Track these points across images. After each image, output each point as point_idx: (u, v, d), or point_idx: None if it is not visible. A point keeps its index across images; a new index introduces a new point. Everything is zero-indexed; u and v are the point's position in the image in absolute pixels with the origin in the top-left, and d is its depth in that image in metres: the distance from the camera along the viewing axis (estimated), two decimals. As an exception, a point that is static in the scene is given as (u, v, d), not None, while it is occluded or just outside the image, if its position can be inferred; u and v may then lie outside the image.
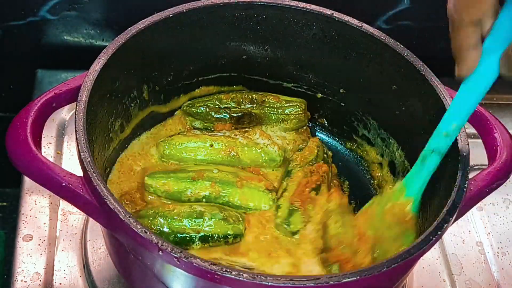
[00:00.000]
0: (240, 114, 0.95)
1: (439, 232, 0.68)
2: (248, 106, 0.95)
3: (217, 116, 0.95)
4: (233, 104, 0.95)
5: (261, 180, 0.88)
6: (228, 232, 0.81)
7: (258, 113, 0.95)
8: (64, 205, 0.94)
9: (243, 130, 0.94)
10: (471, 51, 0.60)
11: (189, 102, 0.96)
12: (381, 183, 0.94)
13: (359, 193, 0.93)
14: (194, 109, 0.95)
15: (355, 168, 0.98)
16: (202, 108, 0.95)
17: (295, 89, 0.97)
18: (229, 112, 0.95)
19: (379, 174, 0.95)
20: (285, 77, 0.97)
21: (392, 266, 0.64)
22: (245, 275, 0.61)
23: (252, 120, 0.96)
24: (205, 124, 0.95)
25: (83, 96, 0.74)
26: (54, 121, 1.04)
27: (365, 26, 0.87)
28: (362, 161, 0.98)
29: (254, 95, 0.96)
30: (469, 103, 0.70)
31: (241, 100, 0.95)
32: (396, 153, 0.91)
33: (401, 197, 0.78)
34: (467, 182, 0.73)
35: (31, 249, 0.89)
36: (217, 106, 0.95)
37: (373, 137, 0.95)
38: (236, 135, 0.92)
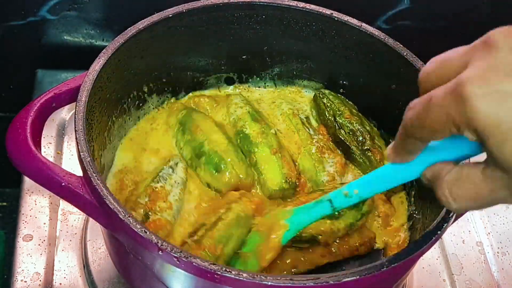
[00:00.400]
0: (347, 145, 0.89)
1: (439, 232, 0.68)
2: (360, 146, 0.88)
3: (329, 121, 0.91)
4: (355, 127, 0.89)
5: (291, 168, 0.86)
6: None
7: (360, 164, 0.89)
8: (64, 205, 0.94)
9: (331, 153, 0.89)
10: (411, 154, 0.60)
11: (324, 92, 0.93)
12: None
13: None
14: (323, 101, 0.92)
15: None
16: (330, 106, 0.92)
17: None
18: (342, 132, 0.89)
19: None
20: (285, 77, 0.97)
21: (392, 265, 0.64)
22: (244, 274, 0.61)
23: (353, 165, 0.89)
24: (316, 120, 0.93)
25: (83, 96, 0.74)
26: (54, 121, 1.04)
27: (365, 26, 0.87)
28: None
29: (378, 146, 0.89)
30: (380, 184, 0.68)
31: (360, 134, 0.89)
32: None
33: (282, 219, 0.76)
34: (467, 181, 0.73)
35: (31, 249, 0.89)
36: (337, 114, 0.90)
37: (373, 137, 0.95)
38: (314, 144, 0.89)
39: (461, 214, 0.75)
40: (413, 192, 0.86)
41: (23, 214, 0.93)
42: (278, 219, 0.76)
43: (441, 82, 0.53)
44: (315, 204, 0.74)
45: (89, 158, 0.68)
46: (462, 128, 0.50)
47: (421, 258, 0.69)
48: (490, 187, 0.52)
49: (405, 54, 0.84)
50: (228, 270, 0.61)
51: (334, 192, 0.72)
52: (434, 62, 0.56)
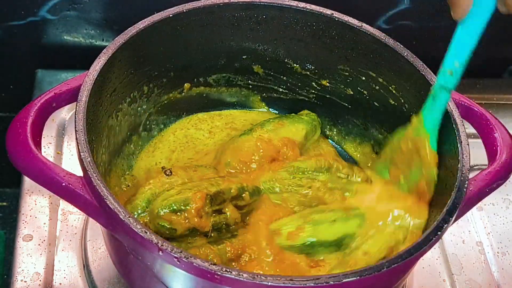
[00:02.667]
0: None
1: (439, 232, 0.68)
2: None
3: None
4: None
5: None
6: None
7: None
8: (64, 205, 0.94)
9: None
10: None
11: None
12: None
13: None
14: None
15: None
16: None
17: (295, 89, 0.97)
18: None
19: None
20: (284, 78, 0.97)
21: (392, 266, 0.64)
22: (245, 275, 0.61)
23: None
24: None
25: (83, 96, 0.74)
26: (54, 121, 1.04)
27: (365, 26, 0.87)
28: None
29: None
30: (469, 42, 0.73)
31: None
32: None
33: (419, 132, 0.80)
34: (467, 182, 0.73)
35: (31, 249, 0.89)
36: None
37: (373, 137, 0.95)
38: None
39: (461, 214, 0.75)
40: (413, 192, 0.86)
41: (23, 214, 0.93)
42: (417, 133, 0.80)
43: None
44: (433, 100, 0.78)
45: (89, 158, 0.68)
46: None
47: (421, 258, 0.69)
48: None
49: (405, 54, 0.84)
50: (228, 270, 0.61)
51: (440, 77, 0.77)
52: None
